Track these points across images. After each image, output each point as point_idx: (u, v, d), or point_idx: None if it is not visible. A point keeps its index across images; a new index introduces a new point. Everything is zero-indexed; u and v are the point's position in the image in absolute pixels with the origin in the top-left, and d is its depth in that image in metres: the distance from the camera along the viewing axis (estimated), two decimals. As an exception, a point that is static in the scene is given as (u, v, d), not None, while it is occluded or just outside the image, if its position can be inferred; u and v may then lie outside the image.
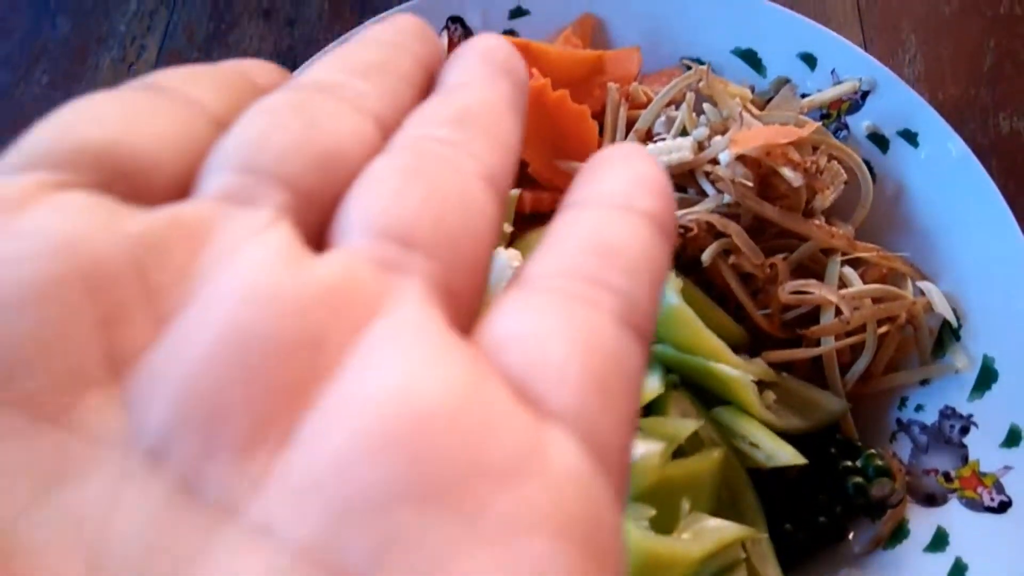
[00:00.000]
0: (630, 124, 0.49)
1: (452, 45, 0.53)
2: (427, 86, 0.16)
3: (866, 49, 0.64)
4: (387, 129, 0.14)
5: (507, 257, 0.43)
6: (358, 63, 0.15)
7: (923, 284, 0.46)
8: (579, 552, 0.10)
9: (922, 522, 0.42)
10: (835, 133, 0.51)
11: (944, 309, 0.45)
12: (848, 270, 0.45)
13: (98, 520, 0.09)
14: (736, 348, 0.43)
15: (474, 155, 0.13)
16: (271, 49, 0.61)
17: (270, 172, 0.12)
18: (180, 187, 0.13)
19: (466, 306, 0.12)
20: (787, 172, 0.44)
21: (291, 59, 0.60)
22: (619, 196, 0.13)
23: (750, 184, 0.44)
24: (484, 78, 0.15)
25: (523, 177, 0.48)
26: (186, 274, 0.11)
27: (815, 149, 0.48)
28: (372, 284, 0.11)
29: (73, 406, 0.10)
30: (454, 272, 0.12)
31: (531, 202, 0.47)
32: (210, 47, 0.61)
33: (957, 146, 0.48)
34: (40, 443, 0.10)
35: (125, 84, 0.14)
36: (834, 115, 0.51)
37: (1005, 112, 0.61)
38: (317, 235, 0.13)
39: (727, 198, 0.45)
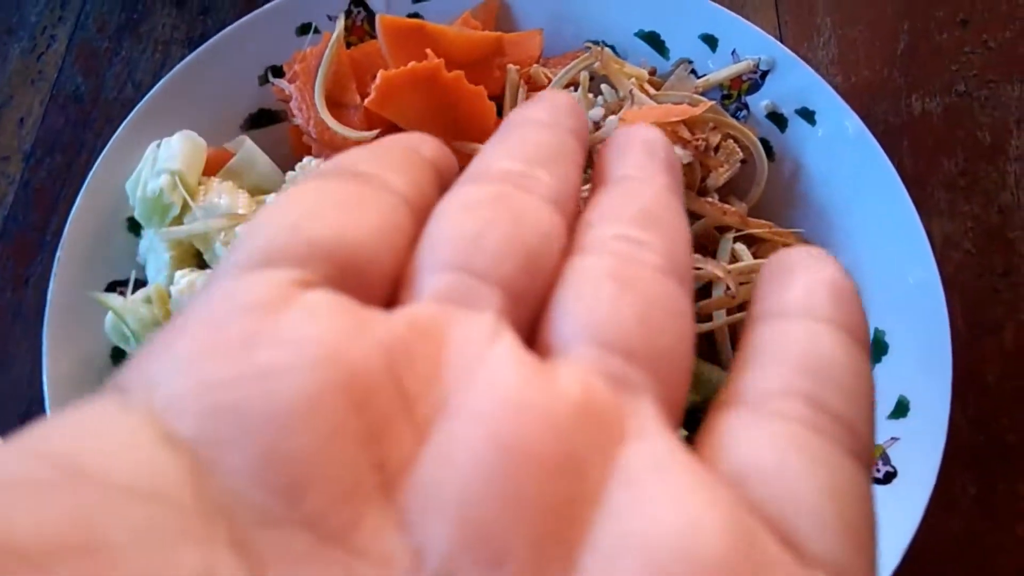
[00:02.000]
0: (529, 105, 0.49)
1: (355, 29, 0.53)
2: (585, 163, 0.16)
3: (780, 32, 0.64)
4: (569, 218, 0.14)
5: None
6: (533, 150, 0.15)
7: (815, 259, 0.46)
8: None
9: (810, 494, 0.42)
10: (735, 113, 0.51)
11: (835, 284, 0.45)
12: (740, 246, 0.45)
13: None
14: (627, 325, 0.43)
15: (668, 256, 0.14)
16: (183, 38, 0.61)
17: (486, 273, 0.13)
18: (392, 279, 0.13)
19: (679, 416, 0.13)
20: (677, 150, 0.44)
21: (203, 47, 0.59)
22: (818, 308, 0.13)
23: (639, 161, 0.44)
24: (653, 173, 0.16)
25: (421, 159, 0.48)
26: (434, 381, 0.11)
27: (713, 128, 0.48)
28: (611, 403, 0.11)
29: (355, 526, 0.10)
30: (671, 386, 0.12)
31: (428, 184, 0.47)
32: (121, 37, 0.61)
33: (853, 123, 0.48)
34: (332, 570, 0.10)
35: (324, 168, 0.14)
36: (734, 95, 0.51)
37: (918, 93, 0.62)
38: (525, 333, 0.13)
39: (620, 176, 0.45)
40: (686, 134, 0.45)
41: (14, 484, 0.09)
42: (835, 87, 0.62)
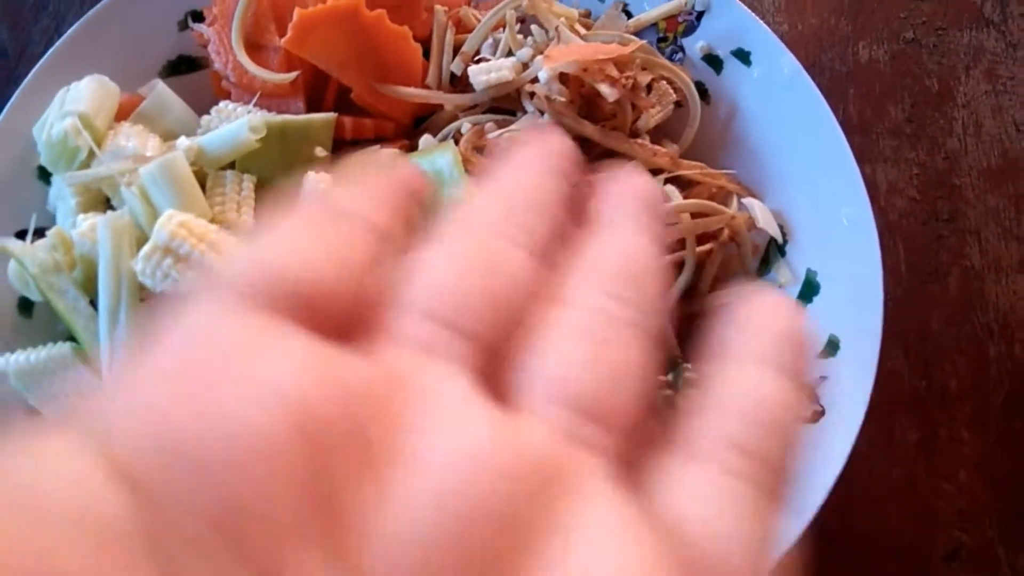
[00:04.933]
0: (457, 48, 0.48)
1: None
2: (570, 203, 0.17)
3: (726, -20, 0.63)
4: (548, 259, 0.15)
5: (314, 179, 0.42)
6: (519, 193, 0.16)
7: (747, 201, 0.46)
8: None
9: (738, 436, 0.42)
10: (671, 55, 0.50)
11: (767, 224, 0.44)
12: (670, 188, 0.44)
13: None
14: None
15: (641, 309, 0.14)
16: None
17: (457, 324, 0.13)
18: (358, 309, 0.13)
19: (633, 462, 0.13)
20: (604, 88, 0.43)
21: None
22: (771, 357, 0.14)
23: (563, 99, 0.43)
24: (639, 221, 0.16)
25: (345, 102, 0.47)
26: (399, 432, 0.12)
27: (644, 69, 0.47)
28: (566, 460, 0.12)
29: (289, 565, 0.10)
30: (627, 442, 0.13)
31: (352, 128, 0.46)
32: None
33: (788, 63, 0.47)
34: None
35: (305, 204, 0.15)
36: (670, 38, 0.50)
37: (865, 41, 0.61)
38: (485, 376, 0.13)
39: (546, 118, 0.44)
40: (614, 73, 0.44)
41: None
42: (781, 35, 0.60)
